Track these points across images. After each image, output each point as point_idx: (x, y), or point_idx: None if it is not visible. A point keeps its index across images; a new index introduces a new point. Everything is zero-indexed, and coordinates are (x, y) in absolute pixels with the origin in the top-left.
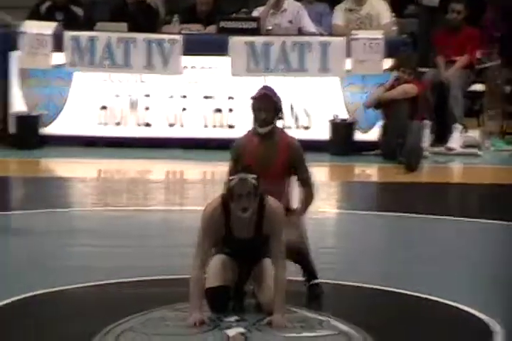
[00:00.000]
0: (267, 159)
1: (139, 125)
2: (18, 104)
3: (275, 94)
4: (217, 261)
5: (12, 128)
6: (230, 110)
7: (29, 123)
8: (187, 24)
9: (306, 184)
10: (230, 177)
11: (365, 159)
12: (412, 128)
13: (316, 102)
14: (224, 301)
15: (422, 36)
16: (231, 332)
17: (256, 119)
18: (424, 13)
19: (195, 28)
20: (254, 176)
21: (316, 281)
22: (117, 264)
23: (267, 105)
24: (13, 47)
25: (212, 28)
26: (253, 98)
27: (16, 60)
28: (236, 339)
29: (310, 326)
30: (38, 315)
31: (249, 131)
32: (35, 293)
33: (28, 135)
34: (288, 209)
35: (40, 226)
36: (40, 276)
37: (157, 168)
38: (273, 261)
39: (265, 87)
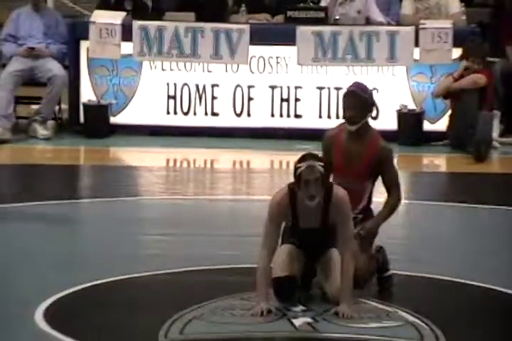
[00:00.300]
0: (353, 157)
1: (206, 114)
2: (87, 93)
3: (365, 90)
4: (284, 250)
5: (82, 117)
6: (297, 100)
7: (99, 112)
8: (254, 14)
9: (392, 190)
10: (298, 165)
11: (433, 149)
12: (482, 119)
13: (383, 92)
14: (290, 291)
15: (492, 25)
16: (298, 322)
17: (344, 116)
18: (495, 1)
19: (263, 18)
20: (322, 164)
21: (388, 274)
22: (185, 253)
23: (353, 103)
24: (83, 36)
25: (279, 18)
26: (342, 95)
27: (85, 50)
28: (303, 328)
29: (377, 317)
30: (108, 302)
31: (341, 124)
32: (105, 280)
33: (97, 124)
34: (365, 215)
35: (109, 214)
36: (110, 264)
37: (224, 158)
38: (340, 250)
39: (356, 84)
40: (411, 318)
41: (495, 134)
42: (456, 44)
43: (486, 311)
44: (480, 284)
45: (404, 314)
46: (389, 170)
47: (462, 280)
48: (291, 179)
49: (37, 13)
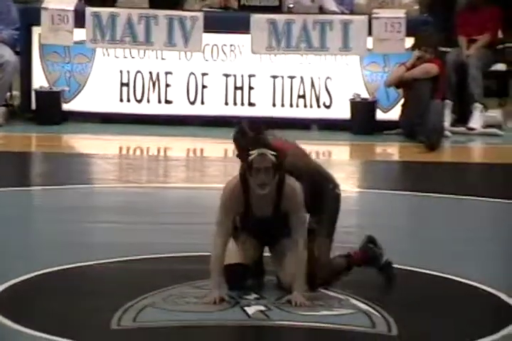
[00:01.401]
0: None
1: (159, 102)
2: (39, 80)
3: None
4: (237, 239)
5: (34, 104)
6: (251, 88)
7: (51, 99)
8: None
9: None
10: (250, 151)
11: (386, 138)
12: (433, 108)
13: (336, 81)
14: (241, 279)
15: (443, 15)
16: (250, 310)
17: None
18: None
19: (216, 1)
20: (274, 153)
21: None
22: (138, 241)
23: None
24: (35, 22)
25: (232, 1)
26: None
27: (37, 36)
28: (256, 316)
29: (329, 305)
30: (60, 290)
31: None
32: (56, 268)
33: (49, 111)
34: None
35: (60, 202)
36: (61, 252)
37: (177, 145)
38: (293, 238)
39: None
40: (363, 306)
41: (446, 123)
42: (408, 33)
43: (438, 299)
44: (432, 272)
45: (356, 302)
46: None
47: (414, 269)
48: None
49: None
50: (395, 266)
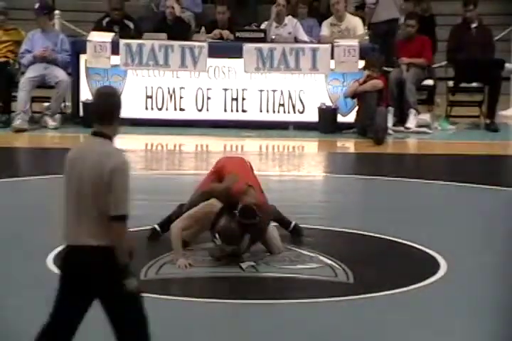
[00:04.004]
0: None
1: (175, 110)
2: (85, 94)
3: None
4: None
5: (81, 112)
6: (244, 99)
7: None
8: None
9: None
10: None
11: (344, 136)
12: (380, 113)
13: (307, 93)
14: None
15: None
16: (244, 265)
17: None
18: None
19: (217, 33)
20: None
21: (292, 225)
22: (159, 213)
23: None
24: (82, 51)
25: (227, 33)
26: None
27: (83, 61)
28: (248, 270)
29: (302, 260)
30: None
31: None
32: None
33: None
34: None
35: None
36: None
37: (189, 142)
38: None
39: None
40: (328, 261)
41: (389, 124)
42: (361, 57)
43: (386, 256)
44: (382, 236)
45: (323, 258)
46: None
47: (368, 233)
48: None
49: (46, 33)
50: (354, 231)
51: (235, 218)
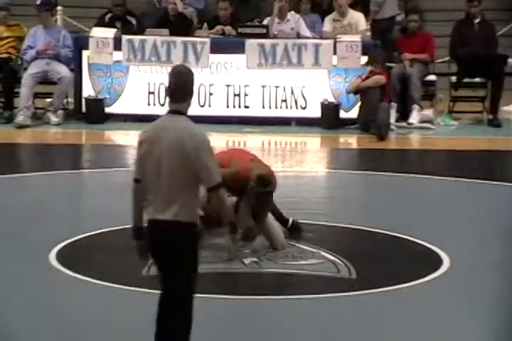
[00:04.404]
0: None
1: None
2: (88, 90)
3: None
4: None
5: (84, 108)
6: (246, 95)
7: (96, 104)
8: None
9: None
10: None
11: (347, 131)
12: (382, 108)
13: (310, 89)
14: None
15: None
16: (247, 261)
17: None
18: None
19: (219, 28)
20: None
21: (290, 223)
22: None
23: None
24: (84, 47)
25: (230, 29)
26: None
27: (86, 57)
28: (251, 266)
29: (305, 256)
30: (103, 247)
31: None
32: (99, 231)
33: (95, 113)
34: None
35: (104, 181)
36: (103, 219)
37: None
38: None
39: None
40: (331, 257)
41: (392, 120)
42: (363, 53)
43: (388, 252)
44: (384, 232)
45: (325, 254)
46: None
47: (370, 229)
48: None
49: (48, 29)
50: (357, 227)
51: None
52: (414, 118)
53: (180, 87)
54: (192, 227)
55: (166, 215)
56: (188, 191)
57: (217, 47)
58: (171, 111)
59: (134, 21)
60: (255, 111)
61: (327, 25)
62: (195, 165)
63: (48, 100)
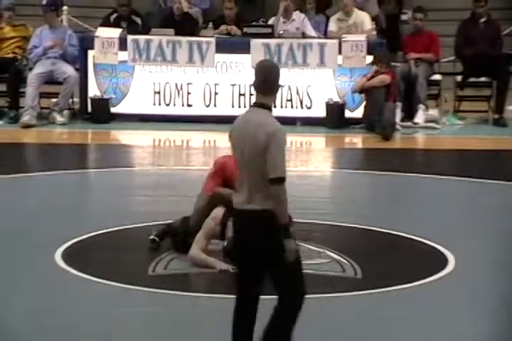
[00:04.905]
0: None
1: (183, 105)
2: (93, 90)
3: None
4: None
5: (89, 108)
6: (251, 94)
7: (102, 104)
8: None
9: None
10: None
11: (352, 131)
12: (387, 108)
13: (315, 88)
14: None
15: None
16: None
17: None
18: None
19: (224, 28)
20: None
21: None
22: (167, 209)
23: None
24: (90, 47)
25: (235, 29)
26: None
27: (91, 57)
28: None
29: (310, 256)
30: (109, 247)
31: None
32: (106, 230)
33: (101, 113)
34: None
35: (109, 181)
36: (108, 218)
37: (196, 138)
38: None
39: None
40: (336, 257)
41: (397, 119)
42: (368, 52)
43: (392, 251)
44: (389, 231)
45: (330, 253)
46: None
47: (375, 228)
48: None
49: (54, 29)
50: (361, 226)
51: None
52: (420, 117)
53: (267, 81)
54: (268, 214)
55: (249, 206)
56: (262, 180)
57: (222, 47)
58: (256, 104)
59: (139, 21)
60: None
61: (332, 24)
62: (265, 156)
63: (54, 100)
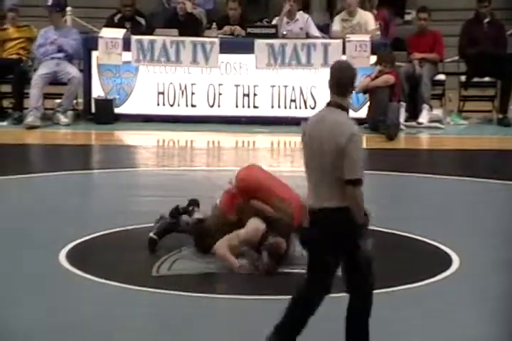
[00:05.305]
0: None
1: (187, 106)
2: (97, 90)
3: None
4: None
5: (93, 108)
6: (255, 95)
7: (105, 104)
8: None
9: None
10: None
11: None
12: (391, 108)
13: (319, 89)
14: None
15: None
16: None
17: None
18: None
19: (228, 29)
20: None
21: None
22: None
23: None
24: (94, 48)
25: (239, 29)
26: None
27: (95, 58)
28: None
29: None
30: (112, 247)
31: None
32: (109, 231)
33: (104, 113)
34: None
35: (112, 181)
36: (113, 219)
37: (200, 138)
38: None
39: None
40: None
41: (401, 119)
42: (372, 53)
43: (398, 251)
44: (393, 231)
45: None
46: None
47: (380, 229)
48: (252, 155)
49: (58, 30)
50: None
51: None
52: (424, 117)
53: (340, 82)
54: (349, 211)
55: (326, 203)
56: (338, 179)
57: (226, 48)
58: (331, 104)
59: (143, 22)
60: (264, 111)
61: (336, 24)
62: (343, 157)
63: (58, 101)
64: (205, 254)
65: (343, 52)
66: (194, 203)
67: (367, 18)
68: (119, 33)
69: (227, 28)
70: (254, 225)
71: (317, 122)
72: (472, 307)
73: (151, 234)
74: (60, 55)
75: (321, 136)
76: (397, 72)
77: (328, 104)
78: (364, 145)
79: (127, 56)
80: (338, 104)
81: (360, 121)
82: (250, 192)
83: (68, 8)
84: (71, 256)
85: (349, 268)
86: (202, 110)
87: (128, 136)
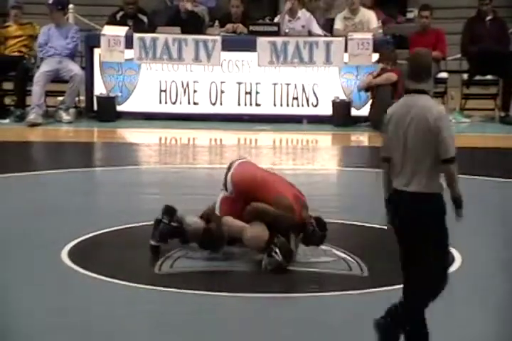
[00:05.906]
0: None
1: (189, 103)
2: (99, 88)
3: None
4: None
5: (95, 106)
6: (257, 92)
7: (108, 102)
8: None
9: None
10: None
11: (358, 129)
12: None
13: (321, 86)
14: None
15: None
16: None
17: None
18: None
19: (230, 26)
20: None
21: None
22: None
23: None
24: (96, 45)
25: (241, 27)
26: None
27: (97, 55)
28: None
29: (317, 254)
30: (115, 245)
31: None
32: (111, 229)
33: (107, 111)
34: None
35: (115, 179)
36: (116, 216)
37: (202, 136)
38: None
39: None
40: (342, 255)
41: None
42: (374, 50)
43: (397, 249)
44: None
45: (337, 252)
46: None
47: (380, 226)
48: (254, 153)
49: (60, 27)
50: (367, 224)
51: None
52: None
53: (422, 67)
54: (438, 198)
55: (412, 187)
56: (431, 163)
57: (228, 45)
58: (414, 91)
59: (145, 19)
60: (266, 108)
61: (338, 23)
62: (435, 140)
63: (60, 98)
64: (209, 252)
65: (346, 50)
66: (172, 210)
67: (369, 16)
68: (121, 30)
69: (229, 26)
70: (256, 234)
71: (402, 107)
72: (473, 306)
73: (152, 242)
74: (62, 52)
75: (410, 123)
76: (399, 69)
77: (411, 91)
78: (367, 143)
79: (129, 54)
80: (417, 89)
81: (362, 119)
82: (250, 193)
83: (71, 6)
84: (73, 254)
85: (428, 249)
86: (204, 108)
87: (130, 134)
